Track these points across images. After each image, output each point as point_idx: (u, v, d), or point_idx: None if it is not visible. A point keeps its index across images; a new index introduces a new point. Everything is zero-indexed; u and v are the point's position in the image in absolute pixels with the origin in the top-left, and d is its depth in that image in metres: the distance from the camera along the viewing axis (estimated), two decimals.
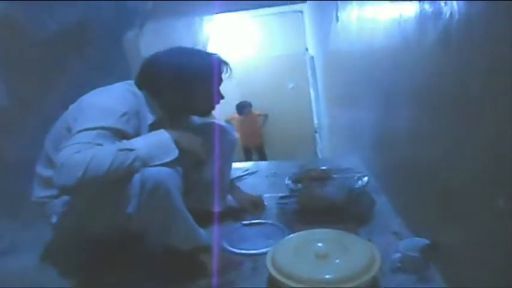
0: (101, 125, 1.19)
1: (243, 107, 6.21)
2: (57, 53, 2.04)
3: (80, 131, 1.17)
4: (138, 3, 2.90)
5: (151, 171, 1.17)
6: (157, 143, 1.23)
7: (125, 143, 1.19)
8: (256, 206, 1.81)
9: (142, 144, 1.20)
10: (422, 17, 1.21)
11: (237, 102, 6.27)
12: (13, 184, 1.64)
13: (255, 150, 6.38)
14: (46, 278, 1.38)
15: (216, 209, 1.68)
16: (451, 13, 0.98)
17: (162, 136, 1.25)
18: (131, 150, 1.17)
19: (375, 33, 1.85)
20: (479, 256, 0.98)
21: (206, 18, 5.08)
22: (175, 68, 1.40)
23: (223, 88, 1.52)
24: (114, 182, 1.15)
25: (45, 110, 1.70)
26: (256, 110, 6.40)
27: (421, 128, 1.34)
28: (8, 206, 1.67)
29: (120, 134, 1.22)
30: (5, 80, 1.73)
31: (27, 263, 1.49)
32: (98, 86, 1.41)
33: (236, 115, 6.26)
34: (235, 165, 2.09)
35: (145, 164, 1.17)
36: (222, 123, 1.75)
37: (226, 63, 1.50)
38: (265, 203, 1.85)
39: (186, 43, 1.57)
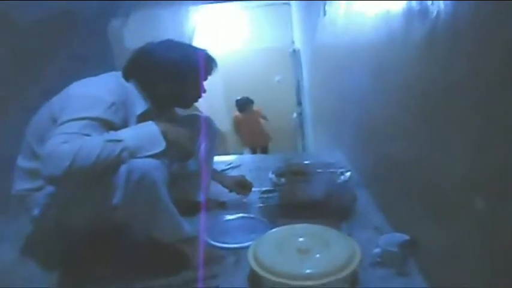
0: (88, 115, 1.19)
1: (243, 104, 5.65)
2: (41, 42, 2.00)
3: (67, 121, 1.17)
4: None
5: (138, 163, 1.17)
6: (145, 135, 1.23)
7: (113, 134, 1.19)
8: (242, 185, 1.84)
9: (130, 135, 1.20)
10: (409, 15, 1.22)
11: (220, 95, 6.01)
12: None
13: (260, 150, 5.84)
14: (26, 271, 1.37)
15: (203, 199, 1.70)
16: (437, 12, 1.00)
17: (150, 128, 1.25)
18: (119, 141, 1.17)
19: (362, 29, 1.86)
20: (457, 254, 1.00)
21: (192, 8, 5.04)
22: (167, 61, 1.41)
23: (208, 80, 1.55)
24: (101, 172, 1.16)
25: (26, 101, 1.67)
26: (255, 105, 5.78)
27: (404, 125, 1.36)
28: None
29: (107, 125, 1.22)
30: None
31: (6, 256, 1.47)
32: (82, 76, 1.38)
33: (237, 113, 5.74)
34: (218, 158, 2.09)
35: (132, 155, 1.18)
36: (205, 115, 1.75)
37: (213, 60, 1.53)
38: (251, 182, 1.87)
39: (172, 33, 1.58)
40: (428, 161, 1.16)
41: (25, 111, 1.42)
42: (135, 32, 3.03)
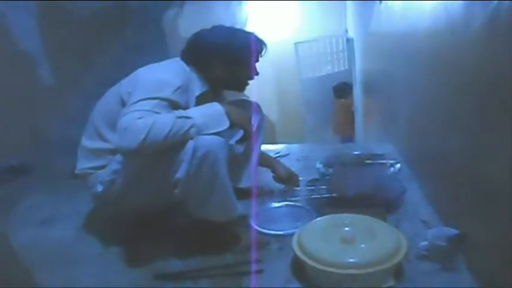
0: (159, 95, 1.28)
1: (340, 89, 5.30)
2: (97, 32, 2.10)
3: (140, 100, 1.26)
4: None
5: (204, 139, 1.25)
6: (211, 114, 1.32)
7: (182, 112, 1.29)
8: (290, 178, 1.85)
9: (197, 113, 1.29)
10: (469, 1, 1.17)
11: (271, 84, 5.88)
12: (52, 159, 1.72)
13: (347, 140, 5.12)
14: (83, 248, 1.48)
15: (253, 184, 1.75)
16: None
17: (216, 108, 1.34)
18: (188, 118, 1.26)
19: (419, 16, 1.79)
20: (507, 251, 0.97)
21: None
22: (222, 45, 1.50)
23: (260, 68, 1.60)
24: (170, 147, 1.24)
25: (84, 88, 1.77)
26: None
27: (458, 117, 1.31)
28: (49, 181, 1.76)
29: (175, 106, 1.31)
30: (49, 58, 1.80)
31: (64, 234, 1.58)
32: (137, 65, 1.48)
33: (337, 100, 5.37)
34: (266, 147, 2.11)
35: (199, 131, 1.26)
36: (254, 101, 1.77)
37: (263, 43, 1.59)
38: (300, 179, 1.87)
39: (225, 23, 1.61)
40: (482, 156, 1.11)
41: (82, 97, 1.51)
42: (190, 22, 3.10)
